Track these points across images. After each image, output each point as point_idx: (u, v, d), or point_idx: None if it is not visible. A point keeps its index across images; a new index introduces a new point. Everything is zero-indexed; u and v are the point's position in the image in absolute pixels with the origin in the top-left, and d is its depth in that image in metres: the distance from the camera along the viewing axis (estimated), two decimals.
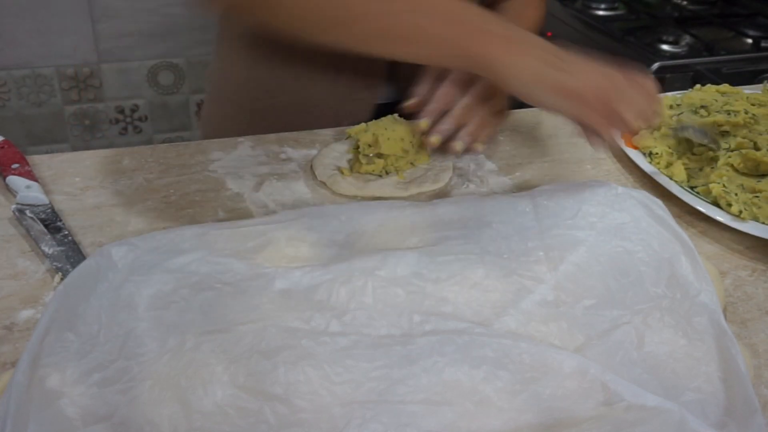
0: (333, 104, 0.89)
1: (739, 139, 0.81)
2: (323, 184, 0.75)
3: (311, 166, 0.77)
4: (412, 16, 0.59)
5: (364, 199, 0.73)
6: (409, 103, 0.77)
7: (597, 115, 0.60)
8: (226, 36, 0.91)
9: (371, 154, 0.76)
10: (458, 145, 0.74)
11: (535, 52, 0.59)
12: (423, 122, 0.74)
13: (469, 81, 0.75)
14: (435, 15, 0.58)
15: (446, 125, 0.74)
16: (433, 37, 0.60)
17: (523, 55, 0.59)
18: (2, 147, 0.76)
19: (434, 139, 0.74)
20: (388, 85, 0.91)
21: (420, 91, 0.77)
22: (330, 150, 0.79)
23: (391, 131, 0.76)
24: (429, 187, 0.75)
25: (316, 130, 0.85)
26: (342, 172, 0.76)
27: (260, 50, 0.87)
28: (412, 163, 0.78)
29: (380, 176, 0.76)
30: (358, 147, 0.77)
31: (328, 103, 0.89)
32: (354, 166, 0.76)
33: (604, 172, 0.82)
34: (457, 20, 0.59)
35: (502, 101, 0.77)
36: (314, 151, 0.80)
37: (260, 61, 0.87)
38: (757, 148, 0.79)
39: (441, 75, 0.76)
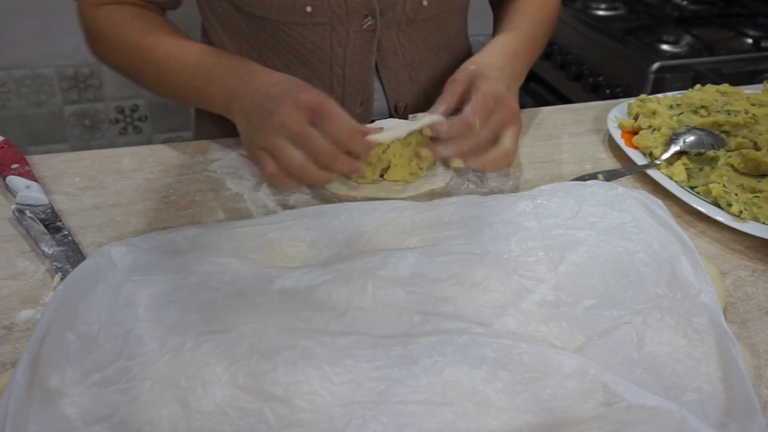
0: None
1: (739, 139, 0.81)
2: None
3: None
4: (174, 89, 0.80)
5: (363, 200, 0.73)
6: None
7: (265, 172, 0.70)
8: (212, 35, 0.91)
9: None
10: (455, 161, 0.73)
11: (242, 111, 0.71)
12: (426, 131, 0.71)
13: (490, 112, 0.71)
14: (186, 91, 0.79)
15: (446, 152, 0.71)
16: (189, 100, 0.83)
17: (234, 112, 0.73)
18: (2, 147, 0.76)
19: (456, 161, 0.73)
20: (383, 102, 0.91)
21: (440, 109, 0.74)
22: None
23: (398, 156, 0.74)
24: (427, 187, 0.75)
25: None
26: None
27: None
28: (413, 173, 0.75)
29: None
30: None
31: None
32: None
33: None
34: (201, 94, 0.77)
35: (514, 137, 0.73)
36: None
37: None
38: (757, 148, 0.79)
39: (454, 92, 0.74)
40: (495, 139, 0.72)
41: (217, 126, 0.92)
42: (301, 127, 0.65)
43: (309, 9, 0.79)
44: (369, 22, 0.82)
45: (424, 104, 0.92)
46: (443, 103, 0.73)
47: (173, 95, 0.82)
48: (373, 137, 0.68)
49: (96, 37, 0.83)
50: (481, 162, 0.71)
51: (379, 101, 0.91)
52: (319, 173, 0.66)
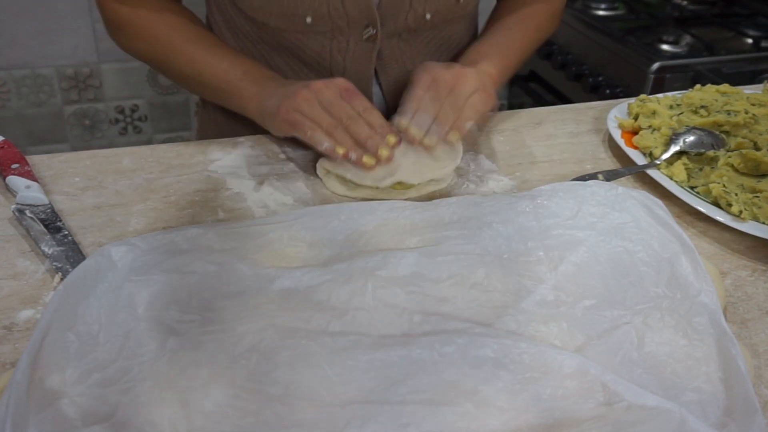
0: None
1: (739, 139, 0.81)
2: (323, 184, 0.75)
3: (318, 162, 0.77)
4: (206, 90, 0.86)
5: (363, 200, 0.73)
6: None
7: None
8: (216, 30, 0.91)
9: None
10: (429, 139, 0.72)
11: (273, 94, 0.77)
12: (402, 120, 0.73)
13: (434, 78, 0.75)
14: (217, 84, 0.82)
15: (423, 117, 0.73)
16: (219, 100, 0.86)
17: (262, 99, 0.78)
18: (2, 147, 0.76)
19: (414, 130, 0.73)
20: (383, 107, 0.91)
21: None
22: None
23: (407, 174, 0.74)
24: (429, 189, 0.75)
25: None
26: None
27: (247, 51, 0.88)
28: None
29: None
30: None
31: None
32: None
33: None
34: (230, 86, 0.81)
35: (473, 89, 0.75)
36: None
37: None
38: (757, 148, 0.79)
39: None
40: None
41: (222, 123, 0.92)
42: (332, 95, 0.72)
43: (309, 20, 0.79)
44: (369, 32, 0.82)
45: None
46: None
47: (200, 88, 0.86)
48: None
49: (121, 31, 0.84)
50: (443, 119, 0.73)
51: (378, 105, 0.90)
52: (339, 130, 0.71)
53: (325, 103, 0.72)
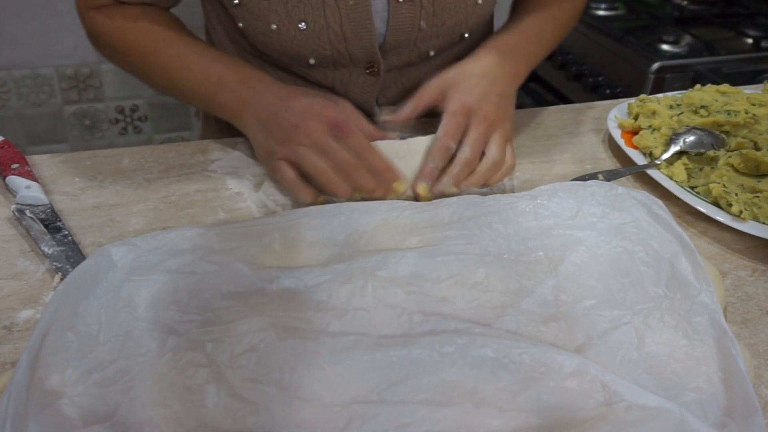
0: None
1: (739, 139, 0.81)
2: None
3: None
4: (182, 94, 0.80)
5: (363, 200, 0.73)
6: (387, 117, 0.75)
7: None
8: (216, 40, 0.91)
9: None
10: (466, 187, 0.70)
11: (258, 122, 0.72)
12: (422, 188, 0.70)
13: (466, 115, 0.72)
14: (194, 96, 0.78)
15: (443, 186, 0.70)
16: (196, 105, 0.84)
17: (245, 120, 0.74)
18: (2, 147, 0.76)
19: (426, 195, 0.70)
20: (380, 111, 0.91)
21: (403, 110, 0.75)
22: None
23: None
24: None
25: None
26: None
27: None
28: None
29: None
30: None
31: None
32: None
33: None
34: (210, 100, 0.77)
35: (506, 138, 0.73)
36: None
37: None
38: (757, 148, 0.79)
39: (423, 96, 0.75)
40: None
41: (224, 127, 0.92)
42: (324, 139, 0.67)
43: (312, 61, 0.80)
44: (372, 69, 0.83)
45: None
46: (410, 105, 0.74)
47: (181, 98, 0.82)
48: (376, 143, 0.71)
49: (99, 40, 0.82)
50: (473, 181, 0.71)
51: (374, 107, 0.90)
52: (339, 182, 0.68)
53: (319, 150, 0.67)
